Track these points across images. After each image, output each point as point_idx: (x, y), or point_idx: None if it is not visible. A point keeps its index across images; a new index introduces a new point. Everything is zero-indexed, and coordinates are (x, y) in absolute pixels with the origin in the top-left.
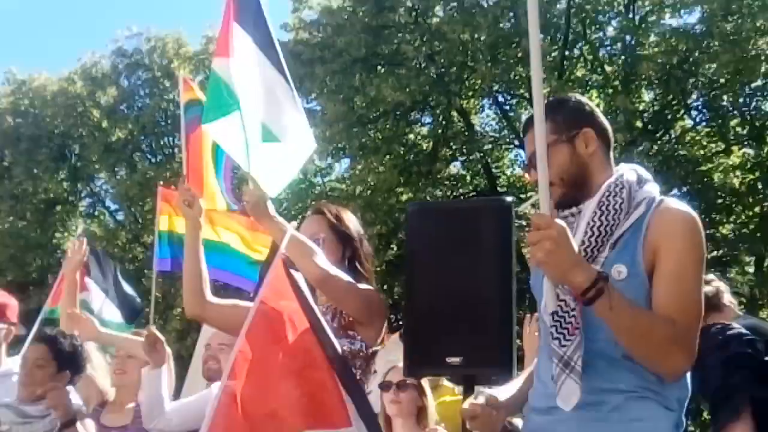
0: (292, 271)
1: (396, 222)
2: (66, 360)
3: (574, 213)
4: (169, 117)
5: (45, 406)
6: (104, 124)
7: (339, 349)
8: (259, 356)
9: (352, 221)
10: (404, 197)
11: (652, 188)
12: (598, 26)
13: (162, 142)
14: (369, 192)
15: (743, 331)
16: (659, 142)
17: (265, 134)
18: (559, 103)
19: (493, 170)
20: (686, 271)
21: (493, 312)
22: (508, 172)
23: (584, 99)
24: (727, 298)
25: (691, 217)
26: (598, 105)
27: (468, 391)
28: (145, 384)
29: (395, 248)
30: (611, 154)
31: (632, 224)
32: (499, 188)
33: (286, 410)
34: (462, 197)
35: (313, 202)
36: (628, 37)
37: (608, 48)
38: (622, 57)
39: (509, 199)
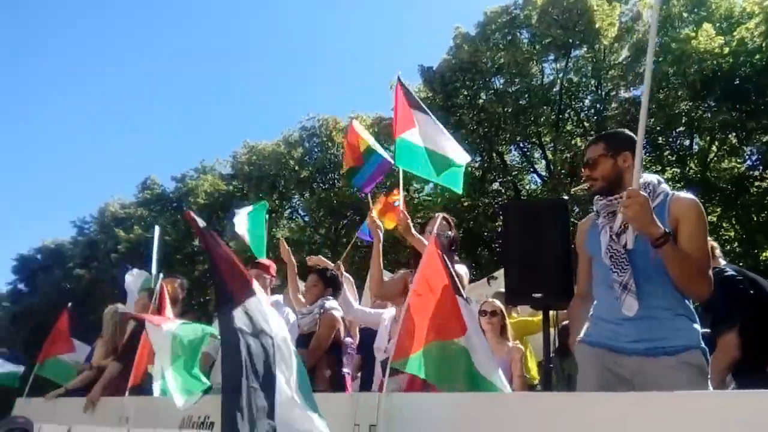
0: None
1: (461, 219)
2: (328, 280)
3: (617, 198)
4: (331, 163)
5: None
6: (296, 168)
7: (460, 286)
8: (422, 292)
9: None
10: (466, 204)
11: (666, 187)
12: (578, 100)
13: (327, 177)
14: (445, 202)
15: (734, 273)
16: None
17: (444, 159)
18: (615, 133)
19: (518, 187)
20: (699, 232)
21: (559, 265)
22: (528, 188)
23: (630, 134)
24: (718, 252)
25: (696, 201)
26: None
27: (545, 315)
28: (345, 297)
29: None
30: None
31: (656, 206)
32: (522, 197)
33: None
34: (498, 203)
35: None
36: (598, 105)
37: (585, 112)
38: (595, 117)
39: (565, 197)
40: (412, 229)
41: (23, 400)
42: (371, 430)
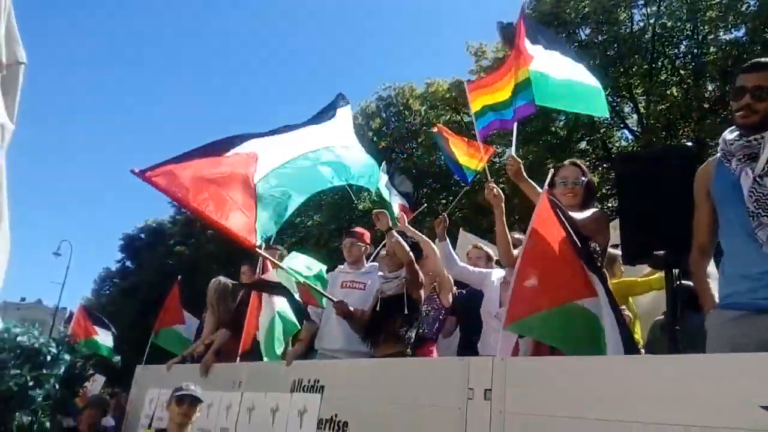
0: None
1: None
2: (412, 248)
3: (758, 139)
4: (409, 132)
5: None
6: (374, 138)
7: (583, 248)
8: (536, 251)
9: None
10: (550, 166)
11: None
12: (672, 46)
13: (405, 146)
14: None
15: None
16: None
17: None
18: None
19: (607, 144)
20: None
21: (681, 221)
22: (618, 145)
23: None
24: None
25: None
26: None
27: (668, 274)
28: (442, 250)
29: None
30: None
31: None
32: (612, 155)
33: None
34: (589, 161)
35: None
36: (695, 50)
37: (681, 59)
38: (692, 63)
39: (690, 144)
40: (524, 173)
41: (142, 367)
42: (486, 395)
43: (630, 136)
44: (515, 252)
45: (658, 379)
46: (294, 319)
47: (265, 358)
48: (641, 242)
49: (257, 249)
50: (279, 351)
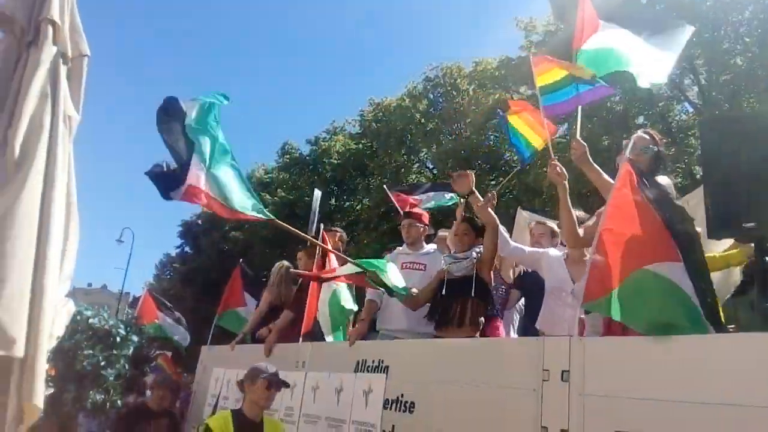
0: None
1: (602, 159)
2: (479, 229)
3: None
4: (456, 113)
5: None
6: (422, 120)
7: (667, 216)
8: (615, 227)
9: None
10: (606, 142)
11: None
12: (735, 12)
13: (453, 127)
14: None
15: None
16: None
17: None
18: None
19: (667, 118)
20: None
21: None
22: (678, 119)
23: None
24: None
25: None
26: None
27: (759, 248)
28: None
29: None
30: None
31: None
32: (672, 130)
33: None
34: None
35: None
36: (762, 16)
37: (745, 26)
38: (759, 30)
39: None
40: (588, 157)
41: (207, 347)
42: (564, 376)
43: (691, 109)
44: (580, 231)
45: (753, 359)
46: (352, 300)
47: (328, 338)
48: (729, 214)
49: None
50: (341, 333)
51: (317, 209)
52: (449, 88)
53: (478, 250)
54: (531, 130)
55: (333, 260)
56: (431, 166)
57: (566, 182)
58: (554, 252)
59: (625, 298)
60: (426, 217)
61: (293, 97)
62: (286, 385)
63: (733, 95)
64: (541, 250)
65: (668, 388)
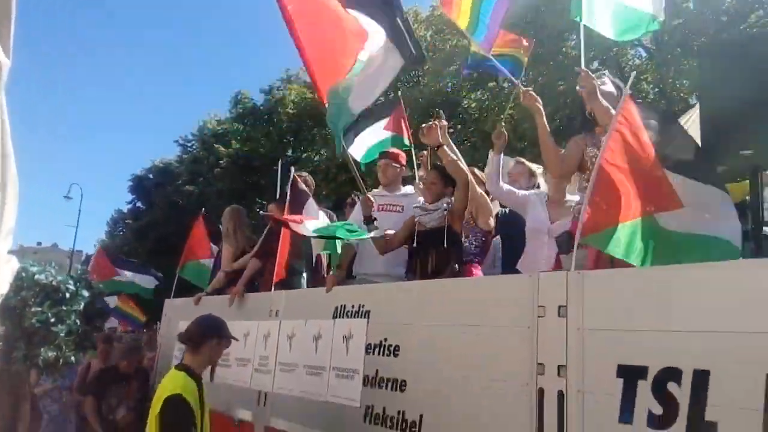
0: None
1: (557, 106)
2: (448, 178)
3: None
4: None
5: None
6: None
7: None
8: (616, 161)
9: None
10: (561, 88)
11: None
12: None
13: (411, 74)
14: (539, 88)
15: None
16: None
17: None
18: None
19: (620, 63)
20: None
21: None
22: (631, 64)
23: None
24: None
25: None
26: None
27: (755, 177)
28: (496, 164)
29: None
30: None
31: None
32: (625, 75)
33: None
34: None
35: None
36: None
37: None
38: None
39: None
40: (598, 93)
41: (169, 300)
42: (561, 312)
43: (644, 54)
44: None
45: (749, 286)
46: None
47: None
48: (723, 141)
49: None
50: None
51: (281, 178)
52: None
53: (448, 200)
54: (510, 47)
55: (310, 205)
56: None
57: (542, 107)
58: (536, 192)
59: (629, 237)
60: (403, 158)
61: (246, 43)
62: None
63: (685, 39)
64: (527, 192)
65: (671, 319)
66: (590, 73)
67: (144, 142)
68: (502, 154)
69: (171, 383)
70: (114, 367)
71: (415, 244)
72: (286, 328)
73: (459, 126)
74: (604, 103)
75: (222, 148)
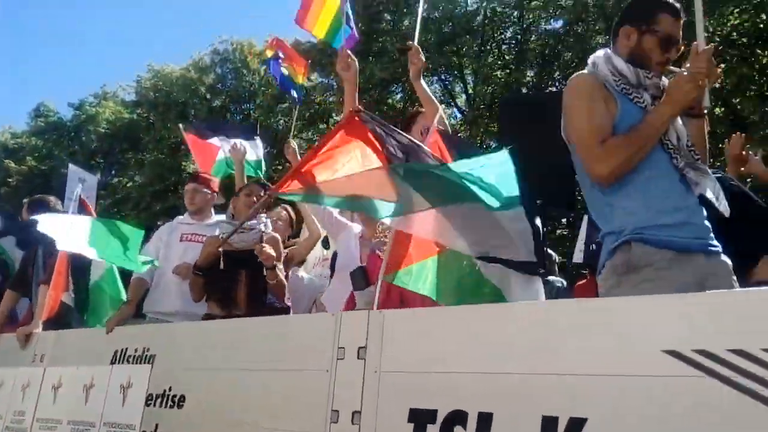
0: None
1: None
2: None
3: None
4: (247, 92)
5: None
6: (207, 95)
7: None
8: None
9: None
10: None
11: None
12: (500, 31)
13: (242, 107)
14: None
15: None
16: None
17: None
18: None
19: None
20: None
21: (562, 170)
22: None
23: None
24: None
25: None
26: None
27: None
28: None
29: None
30: None
31: None
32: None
33: None
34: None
35: None
36: (519, 37)
37: (507, 44)
38: (516, 49)
39: None
40: (421, 77)
41: None
42: (360, 353)
43: (458, 114)
44: None
45: (560, 327)
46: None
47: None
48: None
49: None
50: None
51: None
52: (239, 65)
53: (265, 217)
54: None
55: None
56: None
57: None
58: (356, 228)
59: (420, 271)
60: (216, 183)
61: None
62: None
63: (492, 105)
64: (345, 221)
65: (460, 360)
66: (420, 50)
67: None
68: None
69: None
70: None
71: (221, 267)
72: (51, 376)
73: (288, 164)
74: (427, 90)
75: (13, 164)
